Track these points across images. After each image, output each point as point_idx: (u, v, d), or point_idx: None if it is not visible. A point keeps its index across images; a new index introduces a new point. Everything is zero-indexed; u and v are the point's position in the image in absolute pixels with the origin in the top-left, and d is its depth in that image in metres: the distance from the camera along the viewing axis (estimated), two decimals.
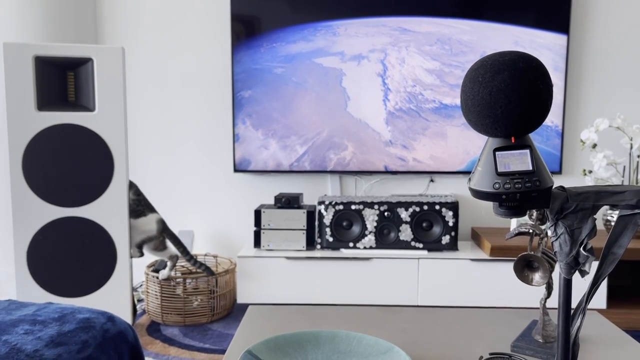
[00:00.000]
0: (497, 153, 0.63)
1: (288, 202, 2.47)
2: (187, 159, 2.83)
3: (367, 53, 2.65)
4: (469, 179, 0.65)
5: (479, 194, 0.64)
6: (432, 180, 2.81)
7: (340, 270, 2.35)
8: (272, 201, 2.83)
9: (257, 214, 2.44)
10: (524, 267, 1.15)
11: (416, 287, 2.35)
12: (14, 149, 1.89)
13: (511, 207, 0.64)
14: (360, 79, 2.66)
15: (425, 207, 2.40)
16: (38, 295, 1.96)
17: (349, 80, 2.66)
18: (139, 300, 2.61)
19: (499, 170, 0.63)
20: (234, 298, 2.49)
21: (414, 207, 2.40)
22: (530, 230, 1.22)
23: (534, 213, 1.19)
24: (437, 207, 2.40)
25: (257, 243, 2.44)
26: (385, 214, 2.41)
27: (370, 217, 2.41)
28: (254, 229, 2.44)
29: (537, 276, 1.12)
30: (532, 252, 1.13)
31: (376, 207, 2.41)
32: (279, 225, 2.43)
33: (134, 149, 2.84)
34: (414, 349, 1.08)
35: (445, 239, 2.41)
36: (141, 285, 2.74)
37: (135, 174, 2.86)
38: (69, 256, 1.97)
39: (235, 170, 2.71)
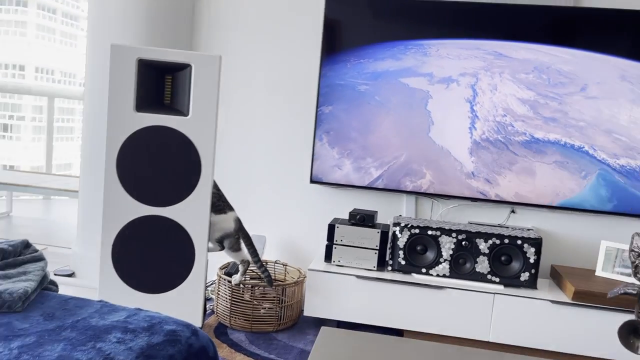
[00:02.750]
0: None
1: (363, 219, 2.45)
2: (265, 165, 2.87)
3: (457, 76, 2.58)
4: None
5: None
6: (513, 212, 2.69)
7: (410, 295, 2.29)
8: (345, 216, 2.81)
9: (331, 228, 2.43)
10: (630, 334, 1.06)
11: (489, 322, 2.25)
12: (111, 146, 1.98)
13: None
14: (447, 104, 2.59)
15: (506, 241, 2.30)
16: (116, 285, 2.04)
17: (434, 104, 2.60)
18: (208, 299, 2.67)
19: None
20: (300, 309, 2.49)
21: (494, 239, 2.31)
22: (638, 292, 1.13)
23: None
24: (519, 242, 2.30)
25: (329, 257, 2.43)
26: (463, 243, 2.33)
27: (447, 245, 2.34)
28: (326, 243, 2.44)
29: None
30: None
31: (454, 234, 2.34)
32: (352, 241, 2.41)
33: (220, 153, 2.91)
34: None
35: (524, 276, 2.30)
36: (211, 284, 2.80)
37: (214, 175, 2.93)
38: (150, 253, 2.04)
39: (312, 181, 2.72)
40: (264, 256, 2.85)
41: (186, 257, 2.06)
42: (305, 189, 2.86)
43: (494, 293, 2.24)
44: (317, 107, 2.69)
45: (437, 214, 2.75)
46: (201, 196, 2.04)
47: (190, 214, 2.04)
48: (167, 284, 2.08)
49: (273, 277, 2.66)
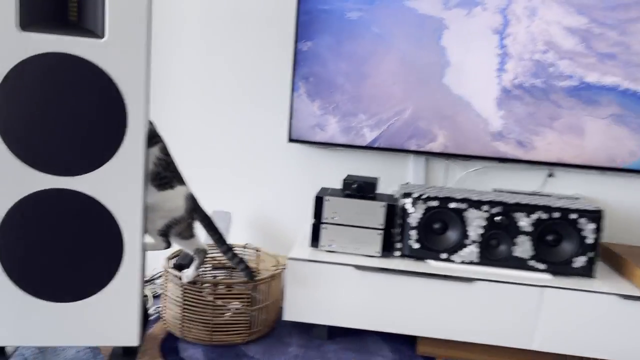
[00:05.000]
0: None
1: (360, 189, 1.82)
2: (227, 121, 2.20)
3: None
4: None
5: None
6: (550, 175, 2.10)
7: (426, 290, 1.69)
8: (335, 185, 2.18)
9: (319, 202, 1.80)
10: None
11: (533, 325, 1.67)
12: None
13: None
14: (468, 36, 1.95)
15: (556, 215, 1.71)
16: (12, 297, 1.38)
17: (451, 37, 1.96)
18: (156, 297, 2.03)
19: None
20: (278, 311, 1.87)
21: (539, 212, 1.71)
22: None
23: None
24: (573, 215, 1.71)
25: (316, 241, 1.81)
26: (497, 218, 1.73)
27: (475, 221, 1.74)
28: (312, 221, 1.81)
29: None
30: None
31: (484, 207, 1.73)
32: (347, 220, 1.79)
33: (159, 102, 2.22)
34: None
35: (579, 261, 1.72)
36: (159, 277, 2.16)
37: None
38: (56, 244, 1.38)
39: (291, 140, 2.07)
40: (229, 239, 2.21)
41: (111, 248, 1.41)
42: (281, 151, 2.21)
43: (540, 286, 1.66)
44: (297, 39, 2.02)
45: (454, 180, 2.14)
46: (129, 158, 1.38)
47: (113, 185, 1.38)
48: (86, 287, 1.42)
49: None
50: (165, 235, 1.53)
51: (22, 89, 1.30)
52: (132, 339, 1.48)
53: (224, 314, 1.69)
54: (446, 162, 2.13)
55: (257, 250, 2.01)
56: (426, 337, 1.73)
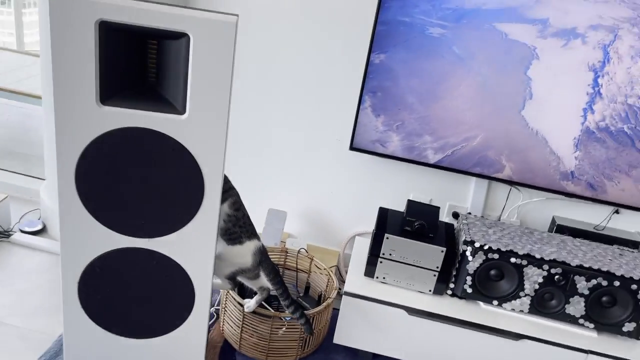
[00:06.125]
0: None
1: (421, 230, 1.82)
2: (290, 123, 2.14)
3: (585, 29, 1.74)
4: None
5: None
6: (616, 212, 2.05)
7: (473, 339, 1.76)
8: (392, 196, 2.17)
9: (378, 238, 1.81)
10: None
11: None
12: (65, 154, 1.27)
13: None
14: (559, 69, 1.79)
15: (617, 283, 1.70)
16: (88, 329, 1.49)
17: (540, 68, 1.80)
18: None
19: None
20: (328, 330, 1.97)
21: (600, 279, 1.71)
22: None
23: None
24: (634, 286, 1.70)
25: (371, 273, 1.85)
26: (556, 277, 1.73)
27: (533, 277, 1.74)
28: (369, 254, 1.83)
29: None
30: None
31: (545, 267, 1.73)
32: (404, 258, 1.81)
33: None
34: None
35: (629, 327, 1.74)
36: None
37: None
38: (132, 292, 1.46)
39: (352, 148, 2.03)
40: (283, 236, 2.26)
41: (182, 299, 1.48)
42: (341, 158, 2.16)
43: (585, 351, 1.70)
44: (369, 52, 1.88)
45: (514, 206, 2.10)
46: (204, 225, 1.39)
47: (187, 246, 1.41)
48: (157, 329, 1.52)
49: (296, 268, 2.11)
50: (232, 279, 1.59)
51: (103, 160, 1.28)
52: None
53: (277, 331, 1.79)
54: (510, 188, 2.07)
55: (311, 259, 2.07)
56: None
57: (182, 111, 1.26)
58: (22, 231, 2.26)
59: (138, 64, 1.27)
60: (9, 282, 1.98)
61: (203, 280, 1.46)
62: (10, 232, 2.24)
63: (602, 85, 1.78)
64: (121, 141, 1.27)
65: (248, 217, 1.55)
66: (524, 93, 1.84)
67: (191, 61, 1.21)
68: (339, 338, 1.85)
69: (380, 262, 1.83)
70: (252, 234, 1.55)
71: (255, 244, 1.56)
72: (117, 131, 1.25)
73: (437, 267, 1.80)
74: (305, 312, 1.76)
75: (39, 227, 2.29)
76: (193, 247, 1.41)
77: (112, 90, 1.24)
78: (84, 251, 1.39)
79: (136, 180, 1.31)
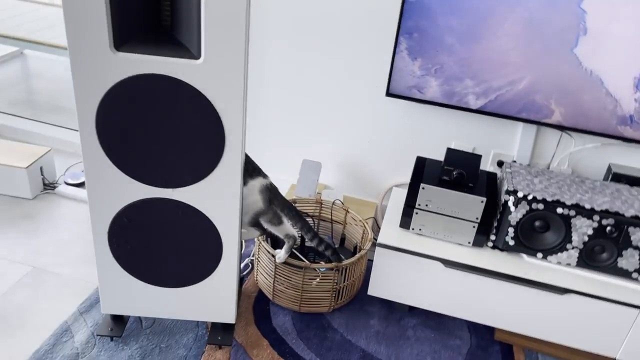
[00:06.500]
0: None
1: (460, 179, 1.71)
2: (321, 69, 2.05)
3: None
4: None
5: None
6: None
7: (515, 293, 1.67)
8: (430, 142, 2.06)
9: (413, 188, 1.72)
10: None
11: (622, 338, 1.65)
12: (83, 104, 1.25)
13: None
14: (618, 0, 1.60)
15: None
16: (122, 280, 1.52)
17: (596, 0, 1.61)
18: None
19: None
20: (363, 281, 1.94)
21: None
22: None
23: None
24: None
25: (406, 224, 1.78)
26: (608, 229, 1.60)
27: (582, 229, 1.62)
28: (405, 205, 1.76)
29: None
30: None
31: (596, 217, 1.60)
32: (442, 209, 1.72)
33: (258, 47, 2.07)
34: None
35: None
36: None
37: (253, 82, 2.15)
38: (161, 242, 1.46)
39: (388, 94, 1.92)
40: (318, 187, 2.21)
41: (211, 248, 1.47)
42: (377, 104, 2.06)
43: (637, 307, 1.59)
44: None
45: (566, 153, 1.95)
46: (228, 174, 1.36)
47: (212, 196, 1.38)
48: (187, 278, 1.53)
49: (331, 219, 2.07)
50: (256, 224, 1.57)
51: (121, 109, 1.25)
52: (229, 317, 1.61)
53: (310, 284, 1.78)
54: (561, 134, 1.92)
55: (345, 210, 2.02)
56: (505, 330, 1.76)
57: (197, 56, 1.20)
58: (66, 183, 2.32)
59: (152, 6, 1.22)
60: (55, 233, 2.05)
61: (230, 229, 1.44)
62: (56, 185, 2.31)
63: None
64: (138, 89, 1.23)
65: (249, 158, 1.50)
66: (577, 28, 1.66)
67: (204, 1, 1.14)
68: (374, 290, 1.81)
69: (417, 213, 1.75)
70: (254, 172, 1.50)
71: (261, 182, 1.51)
72: (133, 78, 1.22)
73: (477, 218, 1.71)
74: (339, 263, 1.72)
75: (83, 179, 2.35)
76: (218, 197, 1.39)
77: (126, 35, 1.20)
78: (111, 202, 1.39)
79: (156, 130, 1.28)
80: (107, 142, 1.30)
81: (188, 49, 1.21)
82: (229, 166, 1.35)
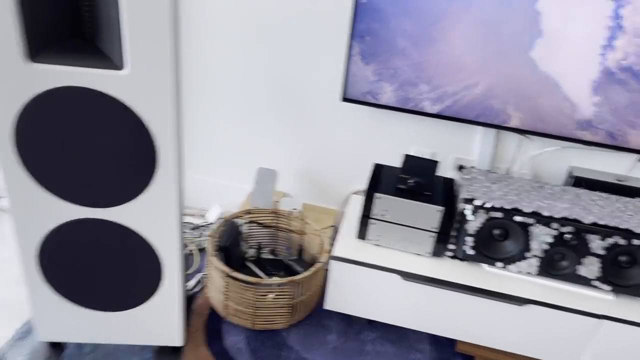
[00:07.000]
0: None
1: (416, 189, 1.65)
2: (274, 73, 1.97)
3: None
4: None
5: None
6: None
7: (474, 304, 1.62)
8: (388, 148, 2.00)
9: (369, 198, 1.65)
10: None
11: (581, 351, 1.61)
12: None
13: None
14: (573, 0, 1.55)
15: (637, 242, 1.51)
16: (62, 305, 1.41)
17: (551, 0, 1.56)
18: (201, 250, 2.05)
19: None
20: (319, 296, 1.86)
21: (617, 237, 1.52)
22: None
23: None
24: None
25: (363, 234, 1.71)
26: (566, 236, 1.55)
27: (541, 237, 1.57)
28: (361, 214, 1.69)
29: None
30: None
31: (555, 225, 1.55)
32: (399, 218, 1.65)
33: (207, 51, 1.98)
34: None
35: None
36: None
37: (204, 89, 2.05)
38: (97, 267, 1.36)
39: (345, 99, 1.85)
40: (274, 196, 2.13)
41: (150, 270, 1.38)
42: (332, 110, 1.99)
43: (600, 317, 1.54)
44: None
45: (526, 157, 1.90)
46: (163, 192, 1.26)
47: (149, 217, 1.29)
48: (127, 301, 1.43)
49: (288, 229, 1.99)
50: None
51: (42, 125, 1.15)
52: (176, 339, 1.52)
53: (266, 298, 1.69)
54: (520, 138, 1.87)
55: (302, 220, 1.94)
56: (466, 342, 1.71)
57: (121, 66, 1.11)
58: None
59: (71, 13, 1.12)
60: None
61: (170, 249, 1.35)
62: None
63: (623, 17, 1.54)
64: (59, 102, 1.13)
65: None
66: (533, 30, 1.61)
67: (124, 6, 1.04)
68: (330, 304, 1.74)
69: (373, 223, 1.68)
70: None
71: None
72: (51, 91, 1.12)
73: (435, 228, 1.64)
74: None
75: None
76: (154, 216, 1.29)
77: (42, 45, 1.10)
78: (39, 223, 1.29)
79: (81, 146, 1.18)
80: (28, 160, 1.20)
81: (110, 59, 1.12)
82: (164, 183, 1.25)
